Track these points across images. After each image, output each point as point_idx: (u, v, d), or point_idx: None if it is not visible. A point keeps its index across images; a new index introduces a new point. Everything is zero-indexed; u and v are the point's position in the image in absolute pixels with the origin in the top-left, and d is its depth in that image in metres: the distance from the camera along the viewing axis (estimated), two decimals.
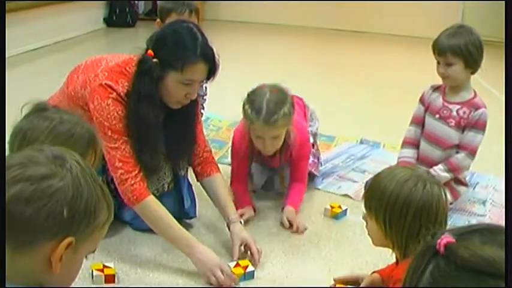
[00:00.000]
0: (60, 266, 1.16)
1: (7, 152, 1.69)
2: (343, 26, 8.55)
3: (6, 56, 5.82)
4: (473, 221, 2.96)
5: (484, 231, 0.99)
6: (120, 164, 2.36)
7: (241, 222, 2.56)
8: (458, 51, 2.80)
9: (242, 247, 2.47)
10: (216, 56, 2.44)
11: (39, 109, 1.83)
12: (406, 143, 3.13)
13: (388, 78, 6.02)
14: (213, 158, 2.76)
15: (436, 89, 3.04)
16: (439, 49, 2.85)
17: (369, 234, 2.06)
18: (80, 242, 1.18)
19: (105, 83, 2.36)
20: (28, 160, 1.16)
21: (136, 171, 2.37)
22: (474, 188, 3.35)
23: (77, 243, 1.17)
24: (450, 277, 0.93)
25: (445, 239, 0.96)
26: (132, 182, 2.35)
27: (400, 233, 1.97)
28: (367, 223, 2.05)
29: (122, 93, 2.37)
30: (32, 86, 4.88)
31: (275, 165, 3.09)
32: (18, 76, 5.47)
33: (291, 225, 2.79)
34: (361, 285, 2.27)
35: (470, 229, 1.00)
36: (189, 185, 2.75)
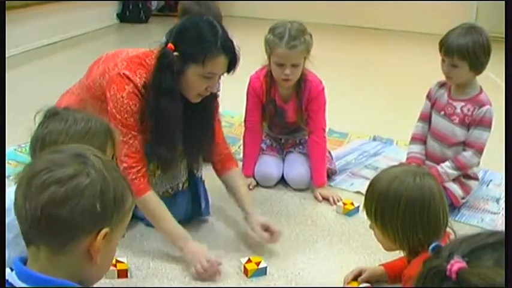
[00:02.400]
0: (99, 256, 1.22)
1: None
2: (358, 23, 8.53)
3: (20, 51, 5.88)
4: (487, 219, 2.95)
5: (496, 245, 0.95)
6: (125, 158, 2.37)
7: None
8: (465, 54, 2.76)
9: (263, 231, 2.51)
10: (237, 48, 2.45)
11: (52, 114, 1.87)
12: (414, 139, 3.13)
13: (402, 75, 6.00)
14: (231, 155, 2.78)
15: (442, 85, 3.03)
16: (446, 49, 2.81)
17: (378, 241, 2.08)
18: (113, 230, 1.24)
19: (123, 73, 2.36)
20: (52, 164, 1.20)
21: (139, 167, 2.38)
22: (487, 186, 3.34)
23: (111, 232, 1.23)
24: None
25: (456, 264, 0.92)
26: (134, 176, 2.35)
27: (396, 230, 1.99)
28: (374, 231, 2.07)
29: (139, 85, 2.36)
30: (45, 82, 4.91)
31: (291, 121, 3.19)
32: (32, 72, 5.50)
33: (324, 199, 3.07)
34: (362, 276, 2.29)
35: (482, 244, 0.96)
36: (203, 185, 2.75)
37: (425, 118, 3.08)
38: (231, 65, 2.41)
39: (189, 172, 2.68)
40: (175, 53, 2.34)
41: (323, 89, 3.12)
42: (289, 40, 2.88)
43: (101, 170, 1.21)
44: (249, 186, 3.11)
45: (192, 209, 2.65)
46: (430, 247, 1.03)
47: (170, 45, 2.35)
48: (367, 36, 8.15)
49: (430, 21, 8.10)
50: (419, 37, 8.04)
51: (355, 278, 2.32)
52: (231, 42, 2.39)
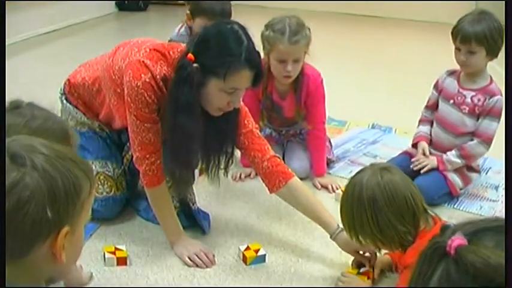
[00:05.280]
0: (64, 253, 1.13)
1: None
2: (359, 11, 8.49)
3: (19, 39, 5.86)
4: (486, 206, 2.96)
5: (499, 228, 0.95)
6: (139, 147, 2.30)
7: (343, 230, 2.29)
8: (483, 39, 2.73)
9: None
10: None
11: (14, 106, 1.81)
12: (422, 121, 3.13)
13: (402, 63, 5.99)
14: (277, 164, 2.45)
15: (451, 74, 3.01)
16: (463, 37, 2.75)
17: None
18: (74, 223, 1.14)
19: (143, 61, 2.21)
20: None
21: (153, 159, 2.31)
22: (487, 173, 3.34)
23: (72, 226, 1.13)
24: (458, 283, 0.90)
25: (457, 240, 0.92)
26: (147, 168, 2.32)
27: (374, 233, 2.02)
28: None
29: (157, 76, 2.21)
30: (43, 70, 4.90)
31: (288, 116, 3.18)
32: (30, 60, 5.49)
33: (323, 187, 3.08)
34: (375, 269, 2.29)
35: (485, 226, 0.96)
36: (198, 212, 2.63)
37: (432, 107, 3.09)
38: (256, 79, 2.21)
39: (182, 201, 2.58)
40: (195, 65, 2.15)
41: (322, 81, 3.09)
42: (291, 35, 2.83)
43: (44, 167, 1.08)
44: (249, 175, 3.11)
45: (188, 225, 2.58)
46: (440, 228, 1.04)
47: (190, 55, 2.16)
48: (367, 24, 8.13)
49: (431, 9, 8.07)
50: (420, 25, 8.03)
51: (357, 266, 2.33)
52: (258, 54, 2.21)
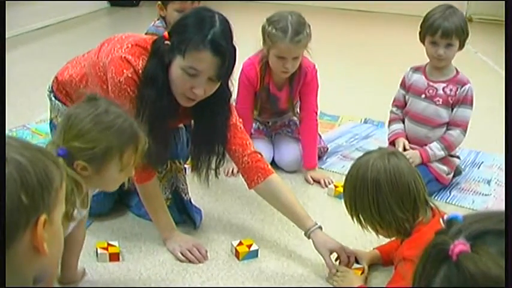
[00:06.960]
0: (46, 244, 1.09)
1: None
2: (350, 6, 8.50)
3: (11, 35, 5.84)
4: (478, 200, 2.96)
5: (502, 232, 0.94)
6: None
7: (320, 228, 2.36)
8: (461, 32, 2.84)
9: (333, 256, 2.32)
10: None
11: (90, 98, 1.84)
12: (394, 120, 3.15)
13: (394, 58, 5.99)
14: (257, 160, 2.42)
15: (416, 70, 3.07)
16: (445, 31, 2.82)
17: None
18: (51, 212, 1.11)
19: (125, 57, 2.20)
20: None
21: None
22: (479, 168, 3.35)
23: (49, 215, 1.10)
24: (459, 286, 0.91)
25: (459, 246, 0.92)
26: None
27: (373, 215, 2.04)
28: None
29: (140, 71, 2.21)
30: (36, 66, 4.88)
31: (283, 107, 3.21)
32: (22, 56, 5.47)
33: (315, 181, 3.08)
34: (362, 263, 2.30)
35: (491, 228, 0.95)
36: (191, 203, 2.62)
37: (400, 105, 3.12)
38: (222, 69, 2.14)
39: (174, 192, 2.57)
40: (167, 42, 2.17)
41: (316, 72, 3.14)
42: (293, 35, 2.86)
43: (12, 156, 1.05)
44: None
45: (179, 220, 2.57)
46: (446, 217, 1.03)
47: (165, 34, 2.20)
48: (358, 18, 8.14)
49: (424, 5, 8.06)
50: (412, 20, 8.01)
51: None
52: (229, 44, 2.15)
